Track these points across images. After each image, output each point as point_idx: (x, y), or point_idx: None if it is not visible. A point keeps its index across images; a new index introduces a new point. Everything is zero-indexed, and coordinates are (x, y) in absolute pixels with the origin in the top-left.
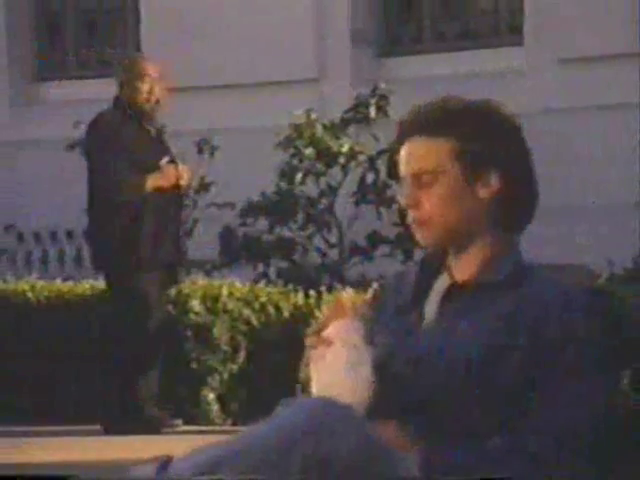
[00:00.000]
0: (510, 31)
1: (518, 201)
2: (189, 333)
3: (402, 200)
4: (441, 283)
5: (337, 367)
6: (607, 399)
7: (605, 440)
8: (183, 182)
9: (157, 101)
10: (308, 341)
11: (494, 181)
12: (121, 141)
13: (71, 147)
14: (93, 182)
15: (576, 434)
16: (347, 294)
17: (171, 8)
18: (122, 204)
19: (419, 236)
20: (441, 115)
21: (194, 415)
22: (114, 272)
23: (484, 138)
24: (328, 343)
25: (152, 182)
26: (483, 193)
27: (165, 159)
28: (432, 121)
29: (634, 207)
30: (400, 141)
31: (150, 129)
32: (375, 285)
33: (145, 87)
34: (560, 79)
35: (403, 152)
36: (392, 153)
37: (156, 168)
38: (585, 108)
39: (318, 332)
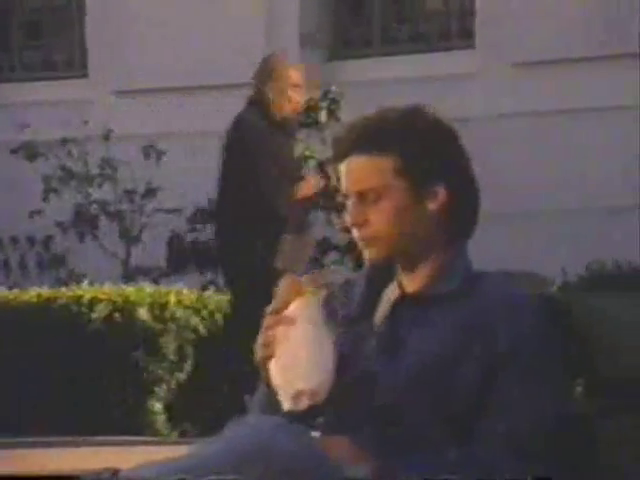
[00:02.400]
0: (461, 34)
1: (463, 208)
2: (136, 342)
3: (347, 218)
4: (390, 294)
5: (302, 346)
6: (561, 407)
7: (559, 448)
8: (319, 191)
9: (299, 109)
10: (267, 321)
11: (440, 192)
12: (272, 148)
13: (14, 151)
14: (244, 188)
15: (530, 442)
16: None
17: (118, 10)
18: (274, 213)
19: (367, 254)
20: (379, 132)
21: (140, 425)
22: (255, 285)
23: (426, 150)
24: (290, 322)
25: (301, 192)
26: (430, 205)
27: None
28: (370, 139)
29: (589, 213)
30: (338, 160)
31: (291, 137)
32: (329, 269)
33: (292, 95)
34: (513, 83)
35: (344, 170)
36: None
37: (297, 177)
38: (538, 112)
39: (277, 312)
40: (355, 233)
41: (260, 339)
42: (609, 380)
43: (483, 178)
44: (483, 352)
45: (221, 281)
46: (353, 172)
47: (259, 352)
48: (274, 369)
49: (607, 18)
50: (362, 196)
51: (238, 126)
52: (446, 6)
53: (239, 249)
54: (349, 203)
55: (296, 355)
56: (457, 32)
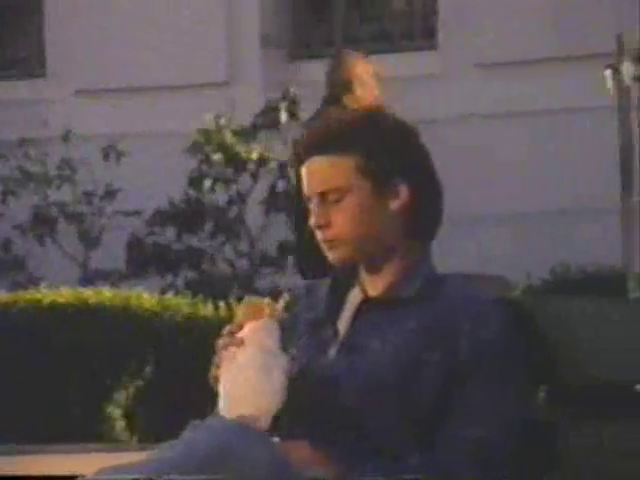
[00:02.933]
0: (424, 34)
1: (426, 209)
2: (96, 347)
3: (310, 220)
4: (354, 298)
5: (248, 369)
6: (523, 413)
7: (521, 454)
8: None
9: (373, 105)
10: (220, 341)
11: (402, 190)
12: None
13: None
14: None
15: (492, 448)
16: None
17: (76, 9)
18: None
19: (331, 256)
20: (338, 132)
21: (99, 432)
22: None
23: (387, 148)
24: (241, 344)
25: None
26: (393, 205)
27: None
28: (330, 139)
29: (555, 216)
30: (299, 162)
31: None
32: (286, 295)
33: (366, 92)
34: (476, 84)
35: (305, 172)
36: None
37: None
38: (501, 114)
39: (232, 333)
40: (319, 235)
41: (214, 359)
42: (572, 386)
43: (446, 180)
44: (446, 356)
45: (181, 284)
46: (315, 173)
47: (212, 371)
48: (222, 389)
49: (570, 19)
50: (324, 197)
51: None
52: (409, 6)
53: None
54: (312, 205)
55: (241, 379)
56: (420, 32)
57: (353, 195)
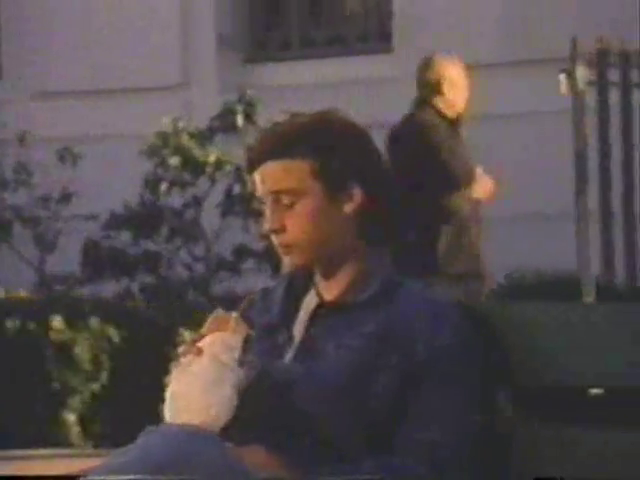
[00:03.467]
0: (380, 37)
1: (381, 213)
2: (50, 351)
3: (265, 225)
4: (309, 302)
5: (197, 381)
6: (479, 417)
7: (477, 458)
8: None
9: (465, 107)
10: (181, 348)
11: (356, 194)
12: (454, 147)
13: None
14: (421, 187)
15: (447, 453)
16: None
17: (33, 11)
18: (456, 211)
19: (287, 260)
20: (292, 136)
21: (54, 437)
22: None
23: (340, 152)
24: (197, 352)
25: (477, 192)
26: (347, 209)
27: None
28: (284, 144)
29: (506, 221)
30: (254, 168)
31: (462, 139)
32: (242, 304)
33: (458, 93)
34: None
35: (260, 177)
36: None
37: (472, 175)
38: None
39: (194, 342)
40: (274, 239)
41: (172, 367)
42: (527, 390)
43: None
44: (401, 360)
45: (136, 289)
46: (269, 176)
47: (168, 378)
48: (168, 393)
49: (524, 23)
50: (278, 199)
51: (414, 126)
52: (364, 9)
53: (428, 246)
54: (266, 208)
55: (190, 387)
56: (375, 36)
57: (307, 198)
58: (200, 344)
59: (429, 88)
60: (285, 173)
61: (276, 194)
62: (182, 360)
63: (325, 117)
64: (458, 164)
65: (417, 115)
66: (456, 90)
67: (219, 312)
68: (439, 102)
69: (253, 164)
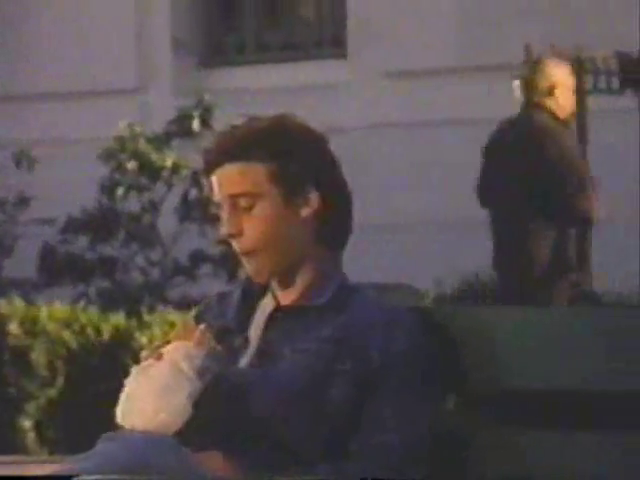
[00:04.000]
0: (334, 43)
1: (336, 217)
2: (6, 357)
3: (223, 229)
4: (265, 307)
5: (153, 383)
6: (433, 422)
7: (430, 463)
8: None
9: (574, 108)
10: (143, 353)
11: (313, 198)
12: (569, 148)
13: None
14: (536, 189)
15: (401, 458)
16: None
17: None
18: (579, 212)
19: (248, 266)
20: (250, 139)
21: (9, 443)
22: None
23: (297, 156)
24: (158, 357)
25: None
26: (304, 212)
27: None
28: (241, 147)
29: (461, 225)
30: (210, 171)
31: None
32: (197, 308)
33: (567, 94)
34: (385, 93)
35: (216, 180)
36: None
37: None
38: (409, 123)
39: (158, 347)
40: (233, 244)
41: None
42: (482, 394)
43: (356, 189)
44: (356, 365)
45: (93, 294)
46: (226, 180)
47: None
48: (124, 394)
49: (479, 28)
50: (235, 202)
51: (535, 128)
52: (318, 15)
53: (523, 242)
54: (223, 212)
55: (145, 391)
56: (329, 41)
57: (264, 202)
58: (162, 350)
59: (541, 91)
60: (242, 176)
61: (233, 198)
62: (143, 363)
63: (282, 121)
64: (585, 165)
65: (534, 118)
66: (566, 92)
67: (187, 322)
68: (552, 105)
69: (211, 167)
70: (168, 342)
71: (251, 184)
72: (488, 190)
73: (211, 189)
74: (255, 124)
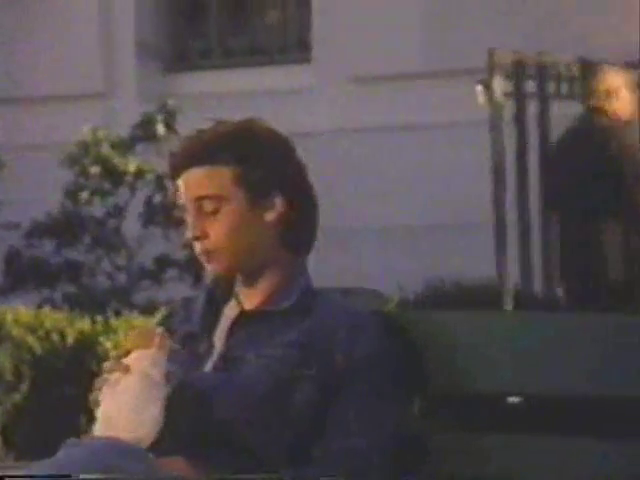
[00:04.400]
0: (299, 48)
1: (301, 221)
2: None
3: (187, 232)
4: (230, 311)
5: (126, 398)
6: (397, 426)
7: (395, 467)
8: None
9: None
10: (106, 364)
11: (278, 202)
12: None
13: None
14: (608, 193)
15: (365, 462)
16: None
17: None
18: None
19: (209, 268)
20: (216, 142)
21: None
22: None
23: (262, 160)
24: (125, 370)
25: None
26: (269, 217)
27: None
28: (207, 151)
29: (424, 230)
30: (176, 174)
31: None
32: (161, 313)
33: (626, 104)
34: (350, 98)
35: (182, 184)
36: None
37: None
38: (375, 128)
39: (119, 357)
40: (196, 247)
41: (97, 382)
42: (446, 398)
43: (322, 193)
44: (321, 369)
45: (58, 299)
46: (192, 183)
47: (93, 394)
48: (98, 413)
49: (443, 33)
50: (201, 206)
51: (601, 131)
52: (284, 19)
53: (596, 245)
54: (188, 215)
55: (120, 406)
56: (294, 46)
57: (229, 205)
58: (126, 361)
59: (601, 96)
60: (207, 179)
61: (198, 201)
62: (109, 377)
63: (249, 125)
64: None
65: (596, 121)
66: (624, 101)
67: (143, 327)
68: (613, 108)
69: (177, 170)
70: (128, 352)
71: (217, 187)
72: (556, 194)
73: (177, 192)
74: (222, 128)
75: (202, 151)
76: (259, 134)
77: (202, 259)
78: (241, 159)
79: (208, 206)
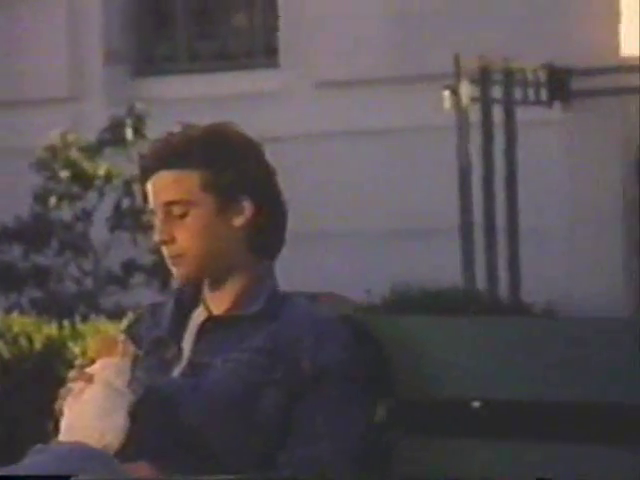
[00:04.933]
0: (266, 52)
1: (270, 226)
2: None
3: (155, 236)
4: (197, 317)
5: (90, 408)
6: (363, 431)
7: (362, 472)
8: None
9: None
10: (70, 374)
11: (247, 207)
12: None
13: None
14: None
15: (333, 468)
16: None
17: None
18: None
19: (176, 272)
20: (184, 147)
21: None
22: None
23: (231, 164)
24: (88, 380)
25: None
26: (237, 222)
27: None
28: (176, 154)
29: (390, 235)
30: (145, 177)
31: None
32: (128, 317)
33: None
34: (317, 103)
35: (151, 187)
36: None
37: None
38: (342, 133)
39: (82, 366)
40: (164, 251)
41: (62, 391)
42: (413, 403)
43: (290, 198)
44: (288, 375)
45: (26, 304)
46: (161, 186)
47: (58, 402)
48: (63, 423)
49: (409, 39)
50: (169, 210)
51: None
52: (251, 24)
53: None
54: (156, 219)
55: (84, 416)
56: (261, 50)
57: (198, 210)
58: (90, 370)
59: None
60: (176, 184)
61: (167, 205)
62: (73, 386)
63: (218, 130)
64: None
65: None
66: None
67: (105, 335)
68: None
69: (146, 173)
70: (91, 359)
71: (185, 192)
72: None
73: (146, 196)
74: (191, 132)
75: (171, 155)
76: (229, 138)
77: (170, 263)
78: (210, 163)
79: (176, 210)
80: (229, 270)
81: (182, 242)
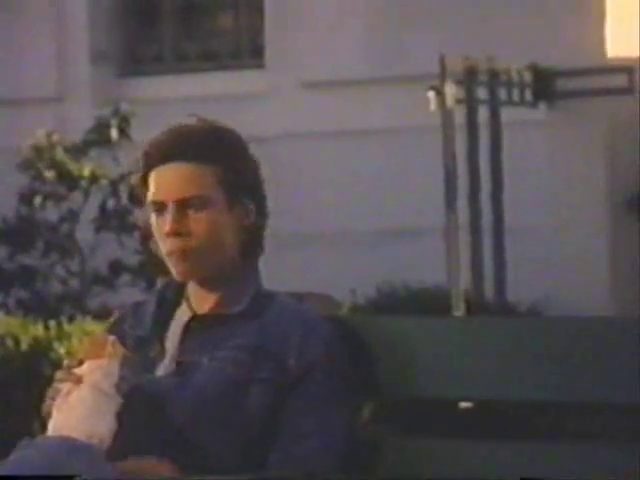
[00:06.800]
0: (252, 53)
1: (262, 227)
2: None
3: (165, 227)
4: (182, 315)
5: (78, 410)
6: (349, 430)
7: (347, 471)
8: None
9: None
10: (58, 374)
11: (252, 209)
12: None
13: None
14: None
15: (318, 466)
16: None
17: None
18: None
19: (178, 267)
20: (203, 142)
21: None
22: None
23: (243, 165)
24: (77, 381)
25: None
26: (246, 221)
27: None
28: (194, 146)
29: (376, 235)
30: (153, 166)
31: None
32: (113, 317)
33: None
34: (303, 103)
35: (160, 177)
36: (138, 179)
37: None
38: (328, 133)
39: (70, 367)
40: (173, 243)
41: (49, 391)
42: (397, 402)
43: (276, 199)
44: (274, 375)
45: (12, 304)
46: (173, 179)
47: (46, 403)
48: (50, 424)
49: (395, 39)
50: (185, 203)
51: None
52: (237, 25)
53: None
54: (167, 211)
55: (72, 417)
56: (247, 51)
57: (214, 206)
58: (78, 371)
59: None
60: (193, 178)
61: (184, 198)
62: (61, 388)
63: (232, 130)
64: None
65: None
66: None
67: (94, 336)
68: None
69: (153, 163)
70: (80, 361)
71: (204, 186)
72: None
73: (140, 188)
74: (207, 127)
75: (188, 146)
76: (240, 141)
77: (172, 258)
78: (226, 162)
79: (193, 203)
80: (221, 269)
81: (197, 236)
